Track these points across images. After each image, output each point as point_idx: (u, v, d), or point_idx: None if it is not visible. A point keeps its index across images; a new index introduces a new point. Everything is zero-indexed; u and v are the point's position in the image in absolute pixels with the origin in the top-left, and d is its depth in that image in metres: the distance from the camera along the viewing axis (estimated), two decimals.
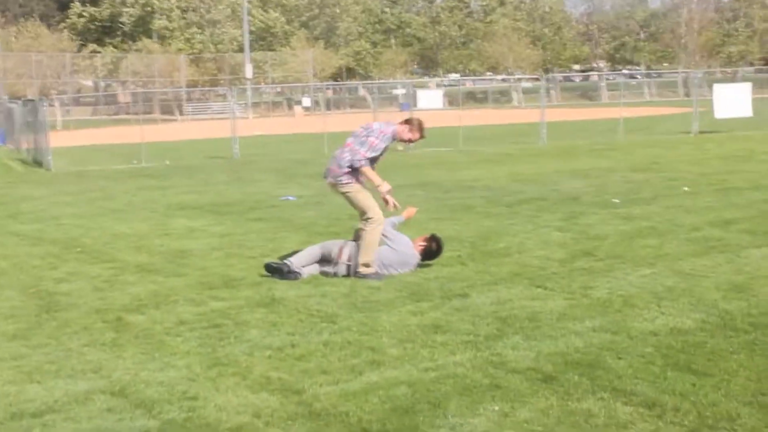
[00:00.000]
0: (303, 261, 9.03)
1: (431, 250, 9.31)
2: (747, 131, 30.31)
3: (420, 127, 9.12)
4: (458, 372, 5.86)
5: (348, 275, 8.89)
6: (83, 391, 5.80)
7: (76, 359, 6.50)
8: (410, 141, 9.20)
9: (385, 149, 9.08)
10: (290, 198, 16.14)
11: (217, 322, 7.36)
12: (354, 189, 8.96)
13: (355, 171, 8.91)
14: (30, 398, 5.71)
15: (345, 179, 8.93)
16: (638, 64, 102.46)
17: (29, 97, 47.34)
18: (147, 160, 27.06)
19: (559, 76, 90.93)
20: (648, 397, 5.28)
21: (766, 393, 5.30)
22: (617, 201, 13.95)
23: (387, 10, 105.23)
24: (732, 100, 31.59)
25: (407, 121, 9.16)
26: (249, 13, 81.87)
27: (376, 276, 8.79)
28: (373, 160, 9.00)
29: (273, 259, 9.41)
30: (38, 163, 28.09)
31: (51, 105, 47.39)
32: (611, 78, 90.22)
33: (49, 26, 79.06)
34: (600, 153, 24.43)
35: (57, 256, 10.92)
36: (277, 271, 8.91)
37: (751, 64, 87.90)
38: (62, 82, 74.10)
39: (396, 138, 9.06)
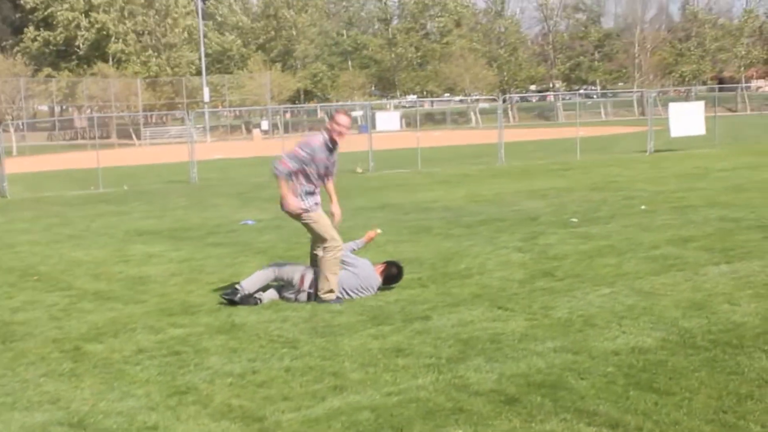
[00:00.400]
0: (256, 284, 8.95)
1: (392, 274, 9.29)
2: (702, 149, 30.72)
3: (338, 113, 8.83)
4: (421, 396, 5.84)
5: (309, 301, 8.84)
6: (40, 423, 5.70)
7: (33, 390, 6.39)
8: (343, 126, 8.77)
9: (324, 162, 8.83)
10: (249, 222, 16.06)
11: (176, 350, 7.27)
12: (311, 217, 8.87)
13: (303, 194, 8.78)
14: None
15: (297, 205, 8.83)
16: (593, 84, 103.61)
17: None
18: (104, 186, 26.82)
19: (516, 96, 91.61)
20: (611, 417, 5.29)
21: (727, 410, 5.33)
22: (575, 220, 14.04)
23: (343, 32, 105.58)
24: (687, 118, 32.03)
25: (329, 121, 8.91)
26: (205, 36, 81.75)
27: (337, 300, 8.76)
28: (321, 176, 8.86)
29: (227, 288, 9.31)
30: None
31: (5, 131, 46.84)
32: (567, 98, 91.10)
33: (2, 50, 78.29)
34: (558, 173, 24.60)
35: (13, 285, 10.74)
36: (230, 300, 8.83)
37: (704, 83, 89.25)
38: (17, 108, 73.32)
39: (334, 140, 8.80)
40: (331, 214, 9.04)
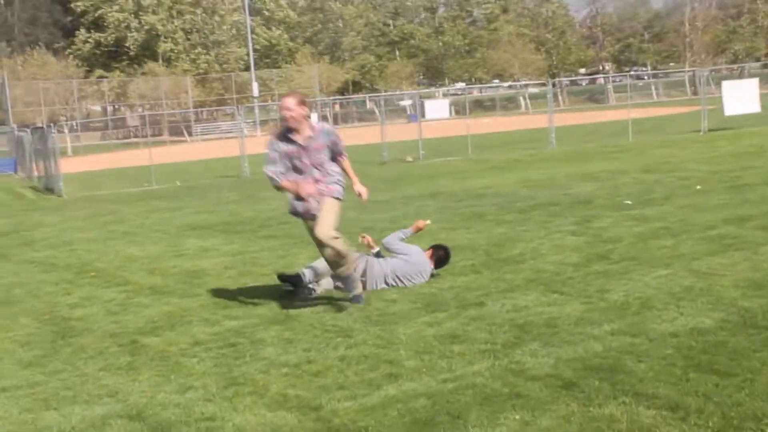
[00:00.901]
0: (313, 274, 8.96)
1: (440, 257, 9.26)
2: (757, 127, 30.16)
3: (285, 98, 8.20)
4: (477, 382, 5.80)
5: (364, 290, 8.79)
6: (100, 416, 5.76)
7: (92, 384, 6.47)
8: (285, 108, 8.02)
9: (294, 153, 8.19)
10: None
11: (232, 341, 7.32)
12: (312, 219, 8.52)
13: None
14: (47, 425, 5.67)
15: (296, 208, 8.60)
16: (644, 65, 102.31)
17: (38, 125, 47.52)
18: (157, 182, 27.10)
19: (565, 80, 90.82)
20: (671, 399, 5.20)
21: None
22: (630, 203, 13.87)
23: (390, 22, 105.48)
24: (741, 96, 31.49)
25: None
26: (253, 32, 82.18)
27: (357, 299, 8.40)
28: (311, 166, 8.23)
29: (286, 272, 9.35)
30: (50, 189, 28.16)
31: (60, 131, 47.52)
32: (618, 80, 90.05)
33: (55, 53, 79.45)
34: (610, 155, 24.33)
35: (70, 282, 10.91)
36: (290, 281, 8.87)
37: (758, 60, 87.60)
38: (70, 108, 74.45)
39: (291, 128, 8.10)
40: (358, 195, 8.72)
